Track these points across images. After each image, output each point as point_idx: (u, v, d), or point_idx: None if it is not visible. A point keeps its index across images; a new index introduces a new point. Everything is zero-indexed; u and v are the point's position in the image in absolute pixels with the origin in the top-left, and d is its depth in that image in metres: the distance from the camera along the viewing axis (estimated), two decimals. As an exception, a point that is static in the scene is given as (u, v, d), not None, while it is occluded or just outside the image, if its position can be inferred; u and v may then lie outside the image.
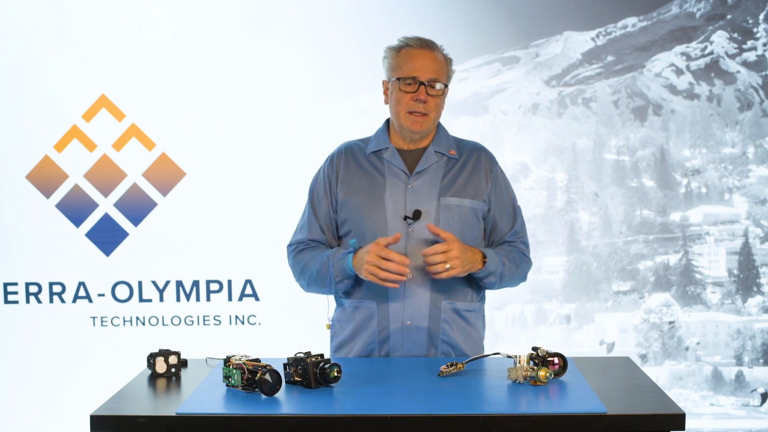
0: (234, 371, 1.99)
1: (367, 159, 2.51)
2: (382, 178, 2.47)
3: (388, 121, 2.56)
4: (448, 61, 2.49)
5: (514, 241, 2.55)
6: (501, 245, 2.54)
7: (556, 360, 2.11)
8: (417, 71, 2.41)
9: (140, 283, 4.02)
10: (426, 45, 2.45)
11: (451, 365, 2.14)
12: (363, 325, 2.47)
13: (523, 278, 2.58)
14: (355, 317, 2.48)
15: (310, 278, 2.49)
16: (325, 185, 2.53)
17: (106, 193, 3.98)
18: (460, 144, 2.56)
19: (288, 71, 3.96)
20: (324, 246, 2.53)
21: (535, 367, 2.06)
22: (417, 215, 2.40)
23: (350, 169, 2.50)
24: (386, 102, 2.51)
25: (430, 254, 2.29)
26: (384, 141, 2.51)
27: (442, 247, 2.29)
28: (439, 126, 2.55)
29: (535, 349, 2.13)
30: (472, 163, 2.51)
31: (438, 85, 2.42)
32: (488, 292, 2.59)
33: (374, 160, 2.50)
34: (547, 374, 2.03)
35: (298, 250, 2.56)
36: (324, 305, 2.62)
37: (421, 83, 2.40)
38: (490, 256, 2.40)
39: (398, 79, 2.42)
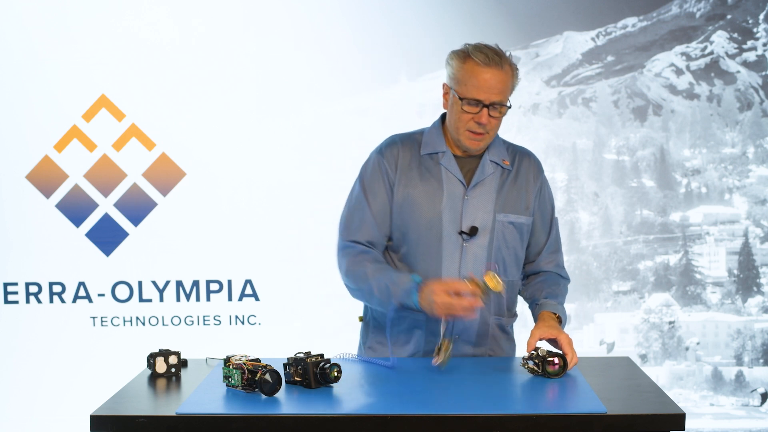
0: (234, 371, 1.99)
1: (421, 160, 2.39)
2: (439, 186, 2.37)
3: (443, 117, 2.44)
4: (514, 74, 2.33)
5: (551, 270, 2.50)
6: (544, 278, 2.49)
7: (556, 360, 2.12)
8: (481, 94, 2.27)
9: (140, 283, 4.02)
10: (493, 62, 2.27)
11: (439, 349, 2.15)
12: (408, 332, 2.40)
13: None
14: (401, 323, 2.40)
15: (364, 292, 2.36)
16: (382, 177, 2.38)
17: (106, 193, 3.98)
18: (511, 151, 2.47)
19: (288, 71, 3.96)
20: (380, 253, 2.41)
21: (537, 368, 2.07)
22: (474, 232, 2.34)
23: (407, 168, 2.37)
24: (445, 106, 2.40)
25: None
26: (440, 143, 2.39)
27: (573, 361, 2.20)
28: None
29: (535, 349, 2.13)
30: (521, 172, 2.43)
31: (501, 107, 2.30)
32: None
33: (429, 164, 2.38)
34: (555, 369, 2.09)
35: (356, 251, 2.39)
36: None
37: (485, 105, 2.28)
38: (563, 316, 2.37)
39: (461, 98, 2.29)
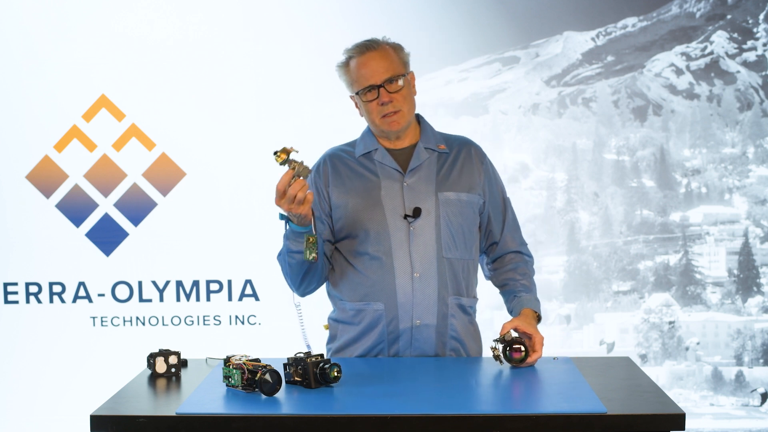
0: (234, 371, 1.99)
1: (357, 161, 2.49)
2: (376, 179, 2.45)
3: None
4: (396, 49, 2.45)
5: (516, 249, 2.57)
6: (514, 265, 2.55)
7: (522, 348, 2.22)
8: (369, 78, 2.40)
9: (140, 283, 4.02)
10: (367, 47, 2.43)
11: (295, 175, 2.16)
12: (370, 326, 2.44)
13: None
14: (361, 320, 2.45)
15: (290, 271, 2.46)
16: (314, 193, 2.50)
17: (106, 193, 3.98)
18: (448, 139, 2.55)
19: (288, 71, 3.96)
20: None
21: (502, 351, 2.21)
22: (417, 213, 2.40)
23: (340, 173, 2.49)
24: (361, 115, 2.51)
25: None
26: (371, 142, 2.50)
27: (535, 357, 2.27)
28: (423, 122, 2.54)
29: (507, 334, 2.24)
30: (463, 156, 2.51)
31: (395, 81, 2.39)
32: (481, 290, 2.61)
33: (365, 162, 2.48)
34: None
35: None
36: (323, 306, 2.62)
37: (379, 86, 2.39)
38: (540, 314, 2.45)
39: (357, 93, 2.42)
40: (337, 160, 2.51)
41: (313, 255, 2.30)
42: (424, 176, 2.46)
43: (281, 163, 2.17)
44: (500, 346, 2.23)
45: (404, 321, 2.41)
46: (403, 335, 2.42)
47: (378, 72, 2.40)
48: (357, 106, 2.50)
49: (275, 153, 2.17)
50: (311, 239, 2.30)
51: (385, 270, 2.41)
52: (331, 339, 2.57)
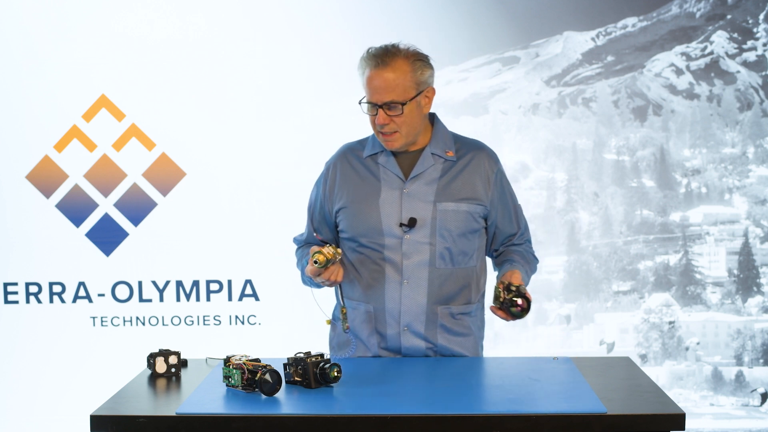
0: (234, 371, 1.99)
1: (362, 163, 2.49)
2: (377, 183, 2.44)
3: None
4: (414, 67, 2.34)
5: (522, 243, 2.57)
6: (514, 249, 2.54)
7: (519, 301, 2.22)
8: (372, 96, 2.34)
9: (140, 283, 4.02)
10: (381, 63, 2.32)
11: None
12: (361, 326, 2.46)
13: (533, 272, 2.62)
14: (354, 318, 2.48)
15: (301, 275, 2.57)
16: (319, 194, 2.56)
17: (106, 193, 3.98)
18: (463, 143, 2.50)
19: (288, 71, 3.96)
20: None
21: (504, 303, 2.22)
22: (412, 223, 2.39)
23: (346, 175, 2.49)
24: None
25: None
26: (379, 144, 2.46)
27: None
28: (437, 125, 2.49)
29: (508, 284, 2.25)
30: (471, 165, 2.46)
31: (395, 108, 2.32)
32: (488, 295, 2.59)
33: (370, 164, 2.48)
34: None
35: (297, 246, 2.68)
36: (326, 303, 2.62)
37: (379, 106, 2.33)
38: (524, 279, 2.43)
39: (360, 102, 2.38)
40: (346, 161, 2.51)
41: (347, 325, 2.45)
42: (424, 184, 2.43)
43: (320, 267, 2.29)
44: (504, 293, 2.24)
45: (392, 326, 2.43)
46: (391, 340, 2.43)
47: (382, 93, 2.32)
48: None
49: (315, 261, 2.27)
50: (344, 310, 2.46)
51: (377, 274, 2.42)
52: (331, 337, 2.59)
